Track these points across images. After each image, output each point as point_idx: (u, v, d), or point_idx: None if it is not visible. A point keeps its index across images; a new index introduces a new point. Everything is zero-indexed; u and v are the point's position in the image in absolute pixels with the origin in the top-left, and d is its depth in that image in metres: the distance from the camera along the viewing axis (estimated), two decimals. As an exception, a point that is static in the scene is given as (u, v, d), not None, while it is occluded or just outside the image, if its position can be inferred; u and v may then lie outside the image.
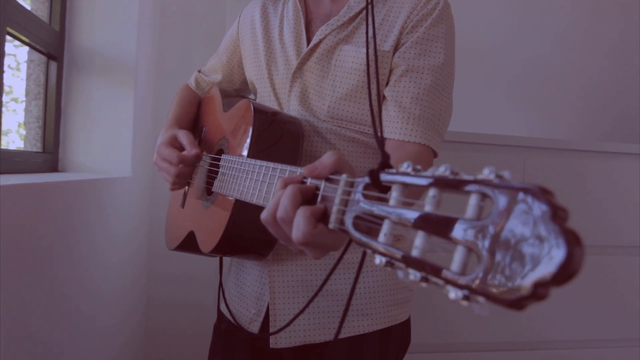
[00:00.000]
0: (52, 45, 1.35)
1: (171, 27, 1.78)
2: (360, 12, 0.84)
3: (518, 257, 0.29)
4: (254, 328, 0.87)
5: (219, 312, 0.98)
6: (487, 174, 0.31)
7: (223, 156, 0.83)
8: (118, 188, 1.43)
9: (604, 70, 1.93)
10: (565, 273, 0.27)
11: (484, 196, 0.31)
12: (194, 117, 1.06)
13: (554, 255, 0.27)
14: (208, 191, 0.87)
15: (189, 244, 0.92)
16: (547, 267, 0.27)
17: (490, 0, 1.87)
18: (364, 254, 0.58)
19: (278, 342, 0.84)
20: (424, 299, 1.23)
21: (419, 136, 0.78)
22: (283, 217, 0.50)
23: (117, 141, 1.48)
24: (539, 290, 0.28)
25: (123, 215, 1.49)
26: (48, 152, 1.40)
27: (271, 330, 0.84)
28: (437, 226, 0.34)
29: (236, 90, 1.08)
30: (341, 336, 0.83)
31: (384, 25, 0.83)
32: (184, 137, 0.88)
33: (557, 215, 0.27)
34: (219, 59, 1.07)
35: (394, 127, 0.80)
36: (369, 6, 0.80)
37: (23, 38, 1.20)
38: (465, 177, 0.33)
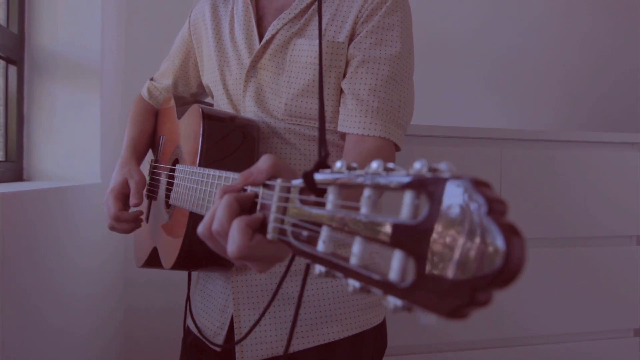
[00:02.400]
0: (11, 49, 1.30)
1: (138, 26, 1.72)
2: (312, 3, 0.81)
3: (454, 259, 0.25)
4: (218, 341, 0.84)
5: (186, 326, 0.94)
6: (418, 167, 0.27)
7: (177, 166, 0.79)
8: (88, 195, 1.39)
9: (578, 60, 1.91)
10: (506, 274, 0.23)
11: (418, 193, 0.27)
12: (150, 132, 1.03)
13: (492, 255, 0.23)
14: (167, 204, 0.84)
15: (153, 260, 0.89)
16: (485, 269, 0.23)
17: None
18: (302, 290, 0.54)
19: (245, 355, 0.80)
20: None
21: (379, 129, 0.75)
22: (218, 230, 0.46)
23: (85, 147, 1.43)
24: (479, 297, 0.24)
25: (94, 222, 1.44)
26: (11, 161, 1.35)
27: (237, 337, 0.80)
28: (372, 230, 0.30)
29: (193, 95, 1.04)
30: (310, 345, 0.79)
31: (338, 16, 0.79)
32: (132, 183, 0.86)
33: (493, 208, 0.24)
34: (171, 62, 1.03)
35: (353, 121, 0.76)
36: None
37: (-22, 42, 1.15)
38: (397, 173, 0.29)
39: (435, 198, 0.26)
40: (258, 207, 0.44)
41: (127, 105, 1.67)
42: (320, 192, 0.37)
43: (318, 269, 0.35)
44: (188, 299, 0.92)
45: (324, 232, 0.35)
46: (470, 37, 1.83)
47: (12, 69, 1.34)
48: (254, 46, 0.84)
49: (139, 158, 0.97)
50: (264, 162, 0.47)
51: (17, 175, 1.37)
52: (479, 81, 1.85)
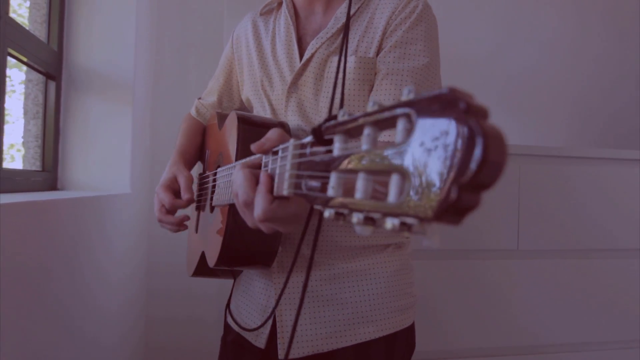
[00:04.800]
0: (51, 65, 1.39)
1: (167, 45, 1.82)
2: (346, 23, 0.85)
3: (438, 162, 0.28)
4: (261, 341, 0.87)
5: (226, 324, 0.98)
6: (407, 92, 0.31)
7: (218, 170, 0.84)
8: (117, 205, 1.45)
9: (590, 78, 1.94)
10: (486, 167, 0.26)
11: (409, 118, 0.31)
12: (198, 145, 1.09)
13: (471, 150, 0.26)
14: (212, 208, 0.88)
15: (203, 266, 0.92)
16: (465, 163, 0.26)
17: (480, 11, 1.90)
18: (314, 246, 0.61)
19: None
20: (425, 305, 1.21)
21: None
22: (245, 199, 0.52)
23: (116, 158, 1.50)
24: (464, 195, 0.27)
25: (122, 232, 1.50)
26: (47, 171, 1.43)
27: (279, 340, 0.83)
28: (373, 162, 0.34)
29: (237, 110, 1.10)
30: (347, 344, 0.83)
31: (368, 32, 0.84)
32: (182, 179, 0.91)
33: (472, 111, 0.27)
34: (216, 81, 1.09)
35: None
36: (348, 14, 0.82)
37: (23, 58, 1.24)
38: (387, 105, 0.33)
39: (421, 116, 0.30)
40: (267, 172, 0.49)
41: (156, 119, 1.76)
42: (328, 142, 0.41)
43: (327, 212, 0.38)
44: (230, 299, 0.97)
45: (333, 177, 0.39)
46: (488, 57, 1.88)
47: (52, 84, 1.43)
48: (294, 64, 0.88)
49: (187, 164, 1.01)
50: (272, 133, 0.54)
51: (52, 184, 1.44)
52: (496, 99, 1.89)
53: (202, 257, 0.91)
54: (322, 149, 0.42)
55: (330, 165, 0.40)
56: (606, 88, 1.95)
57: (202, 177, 1.04)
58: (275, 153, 0.50)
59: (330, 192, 0.39)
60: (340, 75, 0.80)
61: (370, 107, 0.35)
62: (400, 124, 0.31)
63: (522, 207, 1.36)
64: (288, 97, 0.88)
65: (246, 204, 0.52)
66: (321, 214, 0.45)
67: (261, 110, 0.94)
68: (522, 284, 1.36)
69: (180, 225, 0.92)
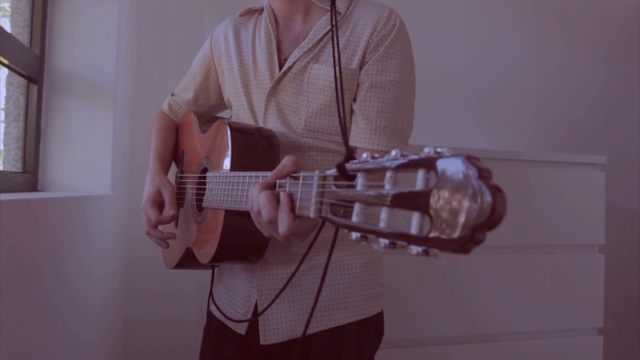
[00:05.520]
0: (33, 69, 1.40)
1: (148, 49, 1.84)
2: (326, 33, 0.93)
3: (458, 211, 0.37)
4: (242, 328, 0.94)
5: (209, 314, 1.04)
6: (427, 151, 0.39)
7: (208, 173, 0.90)
8: (98, 206, 1.47)
9: (552, 89, 2.10)
10: (494, 217, 0.35)
11: (428, 170, 0.40)
12: (173, 145, 1.13)
13: (484, 205, 0.35)
14: (198, 208, 0.94)
15: (187, 260, 0.98)
16: (480, 215, 0.35)
17: (451, 28, 2.02)
18: (329, 255, 0.71)
19: (267, 338, 0.91)
20: (394, 297, 1.31)
21: (385, 145, 0.88)
22: (269, 218, 0.61)
23: (97, 161, 1.52)
24: (477, 235, 0.36)
25: (102, 232, 1.53)
26: (28, 173, 1.44)
27: (260, 328, 0.90)
28: (396, 200, 0.42)
29: (212, 107, 1.15)
30: (323, 328, 0.90)
31: (349, 45, 0.91)
32: (166, 194, 0.97)
33: (483, 175, 0.36)
34: (192, 79, 1.12)
35: (363, 138, 0.89)
36: (334, 28, 0.90)
37: (4, 61, 1.25)
38: (412, 156, 0.41)
39: (440, 171, 0.38)
40: (287, 193, 0.59)
41: (136, 123, 1.78)
42: (351, 177, 0.49)
43: (354, 235, 0.47)
44: (211, 288, 1.03)
45: (357, 207, 0.47)
46: (457, 69, 2.01)
47: (33, 88, 1.44)
48: (274, 70, 0.94)
49: (166, 170, 1.06)
50: (287, 160, 0.63)
51: (33, 186, 1.45)
52: (466, 108, 2.02)
53: (187, 252, 0.97)
54: (343, 182, 0.50)
55: (353, 197, 0.48)
56: (566, 98, 2.11)
57: (181, 177, 1.09)
58: (296, 178, 0.58)
59: (355, 219, 0.47)
60: (333, 85, 0.88)
61: (394, 155, 0.43)
62: (421, 174, 0.40)
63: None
64: (268, 101, 0.94)
65: (270, 221, 0.60)
66: (337, 230, 0.53)
67: (241, 112, 1.00)
68: (485, 277, 1.48)
69: (165, 241, 0.98)
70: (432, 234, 0.39)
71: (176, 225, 1.04)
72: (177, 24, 1.85)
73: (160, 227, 0.99)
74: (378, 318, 0.97)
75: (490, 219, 0.35)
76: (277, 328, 0.90)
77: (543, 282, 1.53)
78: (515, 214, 1.51)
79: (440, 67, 1.98)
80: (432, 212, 0.39)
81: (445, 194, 0.38)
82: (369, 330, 0.95)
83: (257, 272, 0.93)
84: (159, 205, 0.97)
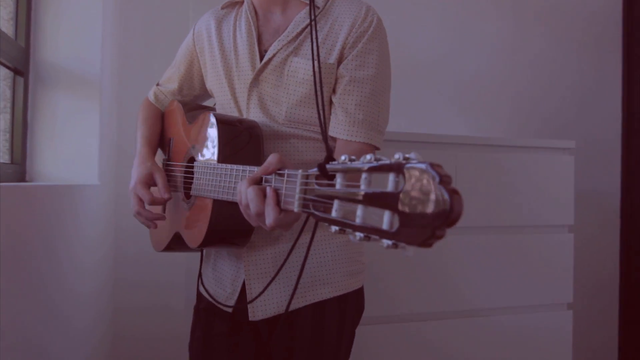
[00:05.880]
0: (19, 61, 1.42)
1: (133, 40, 1.85)
2: (305, 27, 0.97)
3: (422, 211, 0.43)
4: (230, 303, 1.00)
5: (198, 294, 1.10)
6: (397, 157, 0.45)
7: (196, 163, 0.95)
8: (87, 194, 1.50)
9: (527, 79, 2.17)
10: (451, 217, 0.41)
11: (397, 173, 0.46)
12: (159, 133, 1.17)
13: (444, 207, 0.41)
14: (186, 195, 0.99)
15: (175, 244, 1.03)
16: (440, 215, 0.42)
17: (432, 23, 2.07)
18: (312, 236, 0.79)
19: (255, 314, 0.97)
20: (374, 276, 1.38)
21: (362, 136, 0.94)
22: (257, 211, 0.68)
23: (84, 152, 1.54)
24: (437, 232, 0.42)
25: (92, 221, 1.56)
26: (16, 164, 1.46)
27: (249, 305, 0.97)
28: (370, 199, 0.48)
29: (196, 97, 1.19)
30: (307, 303, 0.97)
31: (328, 40, 0.96)
32: (159, 178, 1.00)
33: (443, 180, 0.42)
34: (177, 69, 1.16)
35: (342, 130, 0.95)
36: (313, 23, 0.94)
37: (-10, 54, 1.27)
38: (384, 161, 0.47)
39: (407, 176, 0.45)
40: (272, 188, 0.66)
41: (123, 114, 1.81)
42: (331, 177, 0.55)
43: (333, 228, 0.53)
44: (200, 270, 1.09)
45: (336, 204, 0.53)
46: (437, 59, 2.07)
47: (19, 80, 1.45)
48: (255, 61, 0.99)
49: (154, 155, 1.10)
50: (273, 158, 0.69)
51: (20, 176, 1.48)
52: (447, 97, 2.08)
53: (176, 236, 1.02)
54: (324, 181, 0.56)
55: (332, 194, 0.54)
56: (541, 87, 2.19)
57: (167, 164, 1.13)
58: (281, 175, 0.64)
59: (334, 214, 0.53)
60: (312, 78, 0.94)
61: (368, 158, 0.49)
62: (392, 177, 0.46)
63: (460, 187, 1.56)
64: (250, 91, 0.99)
65: (258, 214, 0.67)
66: (316, 223, 0.59)
67: (225, 102, 1.04)
68: (461, 256, 1.55)
69: (154, 222, 1.02)
70: (400, 230, 0.45)
71: (163, 210, 1.09)
72: (161, 16, 1.86)
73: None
74: (358, 293, 1.05)
75: (449, 219, 0.42)
76: (265, 305, 0.97)
77: (516, 261, 1.62)
78: (490, 196, 1.59)
79: (423, 60, 2.04)
80: (400, 211, 0.45)
81: (412, 195, 0.44)
82: (350, 305, 1.02)
83: (245, 253, 0.98)
84: (150, 187, 1.01)
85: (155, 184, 1.01)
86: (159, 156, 1.18)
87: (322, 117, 0.86)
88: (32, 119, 1.51)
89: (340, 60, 0.96)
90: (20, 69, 1.43)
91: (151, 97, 1.21)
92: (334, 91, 0.97)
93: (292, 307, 0.96)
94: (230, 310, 1.01)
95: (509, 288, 1.60)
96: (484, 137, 1.64)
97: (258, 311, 0.97)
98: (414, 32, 2.03)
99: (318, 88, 0.90)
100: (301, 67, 0.95)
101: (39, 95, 1.50)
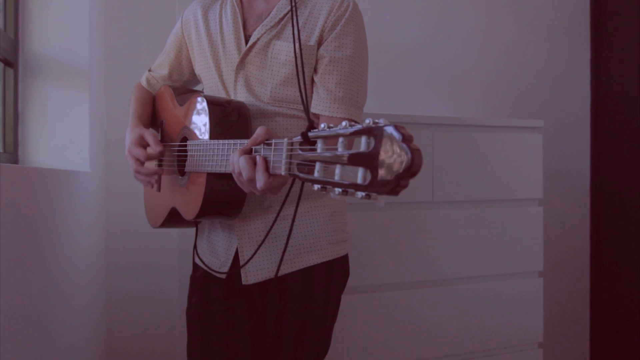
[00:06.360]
0: (9, 52, 1.46)
1: (120, 30, 1.87)
2: (287, 13, 1.06)
3: (390, 165, 0.51)
4: (224, 270, 1.09)
5: (194, 265, 1.18)
6: (368, 122, 0.54)
7: (189, 142, 1.02)
8: (80, 180, 1.55)
9: (502, 63, 2.27)
10: (413, 169, 0.50)
11: (369, 136, 0.54)
12: (151, 113, 1.25)
13: (406, 160, 0.50)
14: (181, 172, 1.06)
15: (172, 218, 1.11)
16: (403, 167, 0.50)
17: (409, 8, 2.15)
18: (297, 205, 0.89)
19: (248, 279, 1.06)
20: (358, 248, 1.46)
21: (343, 112, 1.03)
22: (249, 177, 0.76)
23: (75, 140, 1.59)
24: (401, 182, 0.51)
25: (85, 207, 1.62)
26: (8, 152, 1.51)
27: (242, 270, 1.05)
28: (346, 159, 0.57)
29: (185, 82, 1.27)
30: (296, 269, 1.06)
31: (308, 24, 1.05)
32: (149, 136, 1.08)
33: (406, 138, 0.50)
34: (167, 56, 1.24)
35: (324, 106, 1.04)
36: (294, 9, 1.02)
37: (-20, 46, 1.31)
38: (357, 126, 0.56)
39: (377, 137, 0.53)
40: (262, 156, 0.75)
41: (112, 103, 1.85)
42: (313, 143, 0.63)
43: (316, 186, 0.61)
44: (195, 242, 1.17)
45: (317, 165, 0.61)
46: (415, 45, 2.15)
47: (9, 71, 1.50)
48: (241, 45, 1.07)
49: (145, 127, 1.17)
50: (261, 130, 0.78)
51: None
52: (424, 83, 2.17)
53: (173, 211, 1.10)
54: (307, 147, 0.64)
55: (314, 158, 0.62)
56: (515, 72, 2.29)
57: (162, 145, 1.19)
58: (268, 144, 0.72)
59: (316, 174, 0.62)
60: (294, 59, 1.02)
61: (344, 125, 0.58)
62: (364, 139, 0.54)
63: (435, 167, 1.65)
64: (237, 73, 1.07)
65: (249, 180, 0.76)
66: (303, 183, 0.67)
67: (213, 85, 1.12)
68: (437, 228, 1.65)
69: (152, 178, 1.10)
70: (372, 183, 0.54)
71: (159, 190, 1.16)
72: (147, 6, 1.89)
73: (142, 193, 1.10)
74: (343, 260, 1.14)
75: (410, 170, 0.50)
76: (256, 270, 1.05)
77: (490, 232, 1.72)
78: (465, 172, 1.69)
79: (401, 45, 2.13)
80: (371, 166, 0.54)
81: (380, 153, 0.53)
82: (336, 270, 1.11)
83: (237, 224, 1.07)
84: (143, 147, 1.08)
85: (147, 145, 1.08)
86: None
87: (302, 91, 0.94)
88: (23, 109, 1.55)
89: (320, 43, 1.04)
90: (10, 60, 1.47)
91: (143, 82, 1.28)
92: (315, 71, 1.05)
93: (281, 273, 1.05)
94: (224, 276, 1.09)
95: (484, 258, 1.71)
96: (459, 118, 1.73)
97: (250, 276, 1.06)
98: (393, 19, 2.11)
99: (299, 66, 0.98)
100: (284, 49, 1.04)
101: (29, 86, 1.55)
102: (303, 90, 0.95)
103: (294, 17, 1.00)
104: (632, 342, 2.24)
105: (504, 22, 2.28)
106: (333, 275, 1.10)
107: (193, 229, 1.19)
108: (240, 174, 0.78)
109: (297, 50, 0.99)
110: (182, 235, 1.68)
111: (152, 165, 1.16)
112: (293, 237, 1.06)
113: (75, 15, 1.56)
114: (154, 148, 1.06)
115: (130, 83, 1.78)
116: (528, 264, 1.77)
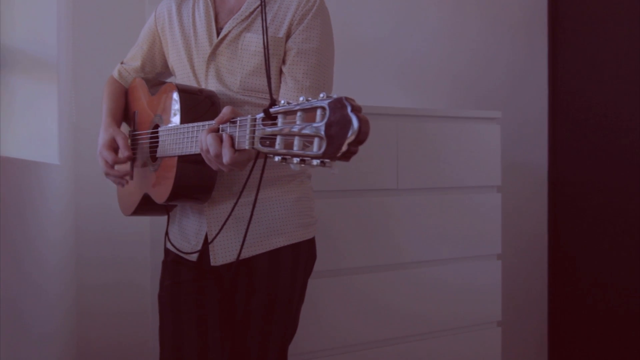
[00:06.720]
0: (-25, 45, 1.46)
1: (88, 22, 1.86)
2: (257, 7, 1.12)
3: (340, 134, 0.57)
4: (194, 255, 1.13)
5: (166, 250, 1.22)
6: (322, 96, 0.59)
7: (160, 128, 1.06)
8: (50, 173, 1.56)
9: (465, 61, 2.37)
10: (360, 137, 0.56)
11: (323, 109, 0.60)
12: (123, 107, 1.29)
13: (354, 128, 0.56)
14: (152, 158, 1.10)
15: (144, 205, 1.15)
16: (352, 134, 0.56)
17: (378, 5, 2.22)
18: (258, 186, 0.95)
19: (217, 260, 1.10)
20: (325, 234, 1.51)
21: None
22: (216, 153, 0.81)
23: (44, 133, 1.59)
24: (351, 148, 0.57)
25: (56, 199, 1.63)
26: (-24, 147, 1.51)
27: (211, 249, 1.09)
28: (303, 131, 0.62)
29: (158, 74, 1.31)
30: (262, 250, 1.12)
31: (277, 18, 1.11)
32: (120, 140, 1.13)
33: (354, 109, 0.56)
34: (140, 48, 1.28)
35: (292, 95, 1.09)
36: (263, 3, 1.09)
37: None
38: (313, 101, 0.61)
39: (329, 109, 0.59)
40: (228, 134, 0.79)
41: (80, 95, 1.85)
42: (274, 118, 0.68)
43: (277, 158, 0.66)
44: (167, 227, 1.21)
45: (278, 139, 0.67)
46: (383, 38, 2.23)
47: (-23, 64, 1.49)
48: (213, 38, 1.13)
49: (118, 125, 1.22)
50: (227, 109, 0.85)
51: (-18, 158, 1.52)
52: (390, 75, 2.24)
53: (145, 198, 1.13)
54: (269, 122, 0.69)
55: (275, 132, 0.68)
56: (478, 66, 2.39)
57: (133, 135, 1.24)
58: (233, 122, 0.77)
59: (277, 147, 0.67)
60: (263, 51, 1.08)
61: (301, 100, 0.63)
62: (319, 112, 0.60)
63: (400, 155, 1.73)
64: (208, 64, 1.13)
65: (216, 155, 0.81)
66: (266, 157, 0.73)
67: (185, 77, 1.17)
68: (401, 214, 1.71)
69: (123, 178, 1.14)
70: (326, 150, 0.59)
71: (132, 177, 1.19)
72: (115, -1, 1.90)
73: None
74: (310, 243, 1.20)
75: (359, 137, 0.56)
76: (224, 251, 1.10)
77: (450, 218, 1.80)
78: (427, 161, 1.77)
79: (368, 39, 2.20)
80: (325, 136, 0.59)
81: (332, 123, 0.59)
82: (302, 252, 1.17)
83: (206, 208, 1.11)
84: (114, 150, 1.13)
85: (117, 147, 1.12)
86: (125, 129, 1.28)
87: (268, 73, 0.99)
88: (-9, 103, 1.55)
89: (288, 35, 1.10)
90: (-23, 53, 1.47)
91: (115, 75, 1.31)
92: (283, 62, 1.11)
93: (249, 254, 1.10)
94: (194, 258, 1.13)
95: (445, 242, 1.79)
96: (422, 109, 1.81)
97: (218, 257, 1.10)
98: (360, 13, 2.18)
99: (266, 51, 1.04)
100: (253, 41, 1.10)
101: (-3, 79, 1.54)
102: (268, 73, 1.01)
103: (264, 11, 1.06)
104: (588, 320, 2.37)
105: (468, 19, 2.38)
106: (300, 257, 1.16)
107: (165, 219, 1.23)
108: (207, 151, 0.83)
109: (265, 42, 1.05)
110: (154, 225, 1.71)
111: (122, 167, 1.20)
112: (261, 220, 1.11)
113: (43, 7, 1.56)
114: (122, 152, 1.11)
115: (99, 75, 1.79)
116: (487, 247, 1.86)
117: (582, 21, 2.44)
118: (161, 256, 1.28)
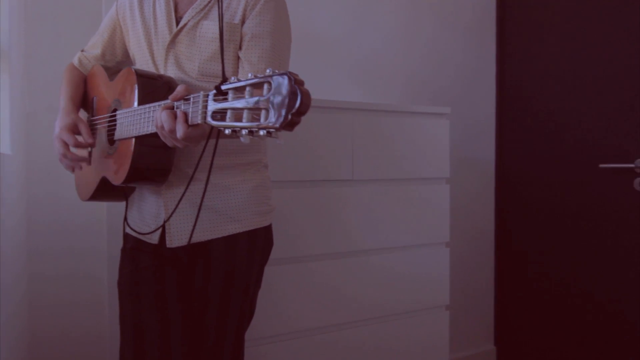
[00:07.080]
0: None
1: (41, 10, 1.84)
2: None
3: (284, 105, 0.62)
4: (155, 238, 1.15)
5: (125, 236, 1.23)
6: (268, 72, 0.64)
7: (118, 112, 1.08)
8: (0, 163, 1.54)
9: (419, 59, 2.47)
10: (301, 108, 0.61)
11: (269, 83, 0.64)
12: (82, 94, 1.30)
13: (296, 99, 0.61)
14: (110, 142, 1.12)
15: (102, 189, 1.16)
16: (295, 105, 0.61)
17: (335, 3, 2.28)
18: (209, 172, 0.99)
19: (173, 242, 1.12)
20: (282, 221, 1.56)
21: None
22: (170, 128, 0.84)
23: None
24: (294, 118, 0.62)
25: (6, 189, 1.59)
26: None
27: (167, 230, 1.12)
28: (251, 104, 0.67)
29: (118, 63, 1.32)
30: (219, 235, 1.15)
31: (232, 6, 1.15)
32: (83, 128, 1.15)
33: (297, 82, 0.61)
34: (100, 37, 1.30)
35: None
36: None
37: None
38: (260, 76, 0.66)
39: (274, 83, 0.63)
40: (182, 110, 0.82)
41: (33, 84, 1.82)
42: (225, 94, 0.72)
43: (227, 131, 0.70)
44: (126, 214, 1.23)
45: (229, 113, 0.71)
46: (341, 36, 2.29)
47: None
48: (172, 27, 1.17)
49: (77, 110, 1.23)
50: (180, 87, 0.88)
51: None
52: (347, 71, 2.31)
53: (103, 181, 1.15)
54: (220, 97, 0.73)
55: (226, 107, 0.72)
56: (431, 64, 2.50)
57: (92, 121, 1.26)
58: (187, 100, 0.81)
59: (227, 121, 0.71)
60: (225, 38, 1.11)
61: (250, 76, 0.68)
62: (265, 86, 0.65)
63: (355, 148, 1.79)
64: (167, 52, 1.16)
65: (170, 131, 0.84)
66: (219, 132, 0.77)
67: (144, 63, 1.20)
68: (355, 204, 1.78)
69: (78, 163, 1.15)
70: (271, 121, 0.64)
71: (89, 163, 1.20)
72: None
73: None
74: (267, 230, 1.24)
75: (300, 108, 0.61)
76: (179, 234, 1.13)
77: (402, 208, 1.88)
78: (380, 153, 1.84)
79: (326, 37, 2.25)
80: (270, 107, 0.64)
81: (277, 95, 0.63)
82: (259, 238, 1.21)
83: (163, 190, 1.14)
84: (75, 134, 1.14)
85: (79, 133, 1.13)
86: (83, 115, 1.29)
87: (222, 55, 1.04)
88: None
89: (243, 21, 1.14)
90: None
91: (75, 62, 1.32)
92: (239, 48, 1.15)
93: (205, 238, 1.13)
94: (155, 240, 1.15)
95: (397, 230, 1.87)
96: (377, 104, 1.88)
97: (174, 239, 1.13)
98: (318, 11, 2.24)
99: (222, 42, 1.08)
100: (210, 28, 1.13)
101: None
102: (222, 54, 1.05)
103: (220, 1, 1.10)
104: (533, 303, 2.51)
105: (422, 20, 2.48)
106: (256, 243, 1.20)
107: (123, 207, 1.23)
108: (162, 127, 0.86)
109: (220, 28, 1.09)
110: (111, 214, 1.71)
111: (79, 152, 1.20)
112: (218, 207, 1.14)
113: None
114: (85, 139, 1.13)
115: (52, 64, 1.78)
116: (436, 236, 1.95)
117: (528, 25, 2.59)
118: (119, 246, 1.29)
